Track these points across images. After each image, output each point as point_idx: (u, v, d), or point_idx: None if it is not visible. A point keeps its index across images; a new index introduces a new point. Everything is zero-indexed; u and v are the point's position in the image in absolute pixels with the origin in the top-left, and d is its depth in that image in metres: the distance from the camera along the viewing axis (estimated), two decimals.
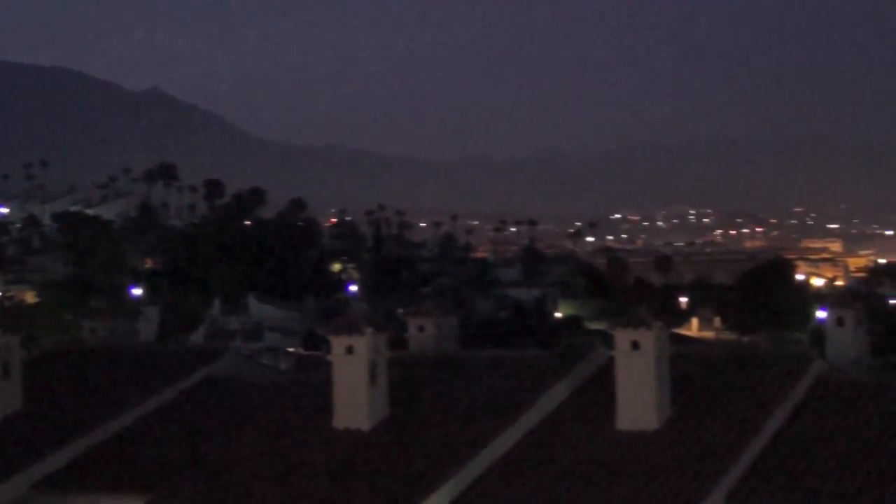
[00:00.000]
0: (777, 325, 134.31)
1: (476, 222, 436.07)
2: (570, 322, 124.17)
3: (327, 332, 32.73)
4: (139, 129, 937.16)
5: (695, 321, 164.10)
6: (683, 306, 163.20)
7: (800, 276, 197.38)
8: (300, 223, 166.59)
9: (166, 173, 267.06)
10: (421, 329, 36.07)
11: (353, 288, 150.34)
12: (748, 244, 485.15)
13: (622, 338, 29.76)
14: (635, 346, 29.55)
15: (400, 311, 46.21)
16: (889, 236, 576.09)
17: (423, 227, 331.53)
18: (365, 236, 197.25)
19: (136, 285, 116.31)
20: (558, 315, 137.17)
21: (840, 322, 34.66)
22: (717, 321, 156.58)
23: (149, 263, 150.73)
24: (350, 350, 31.18)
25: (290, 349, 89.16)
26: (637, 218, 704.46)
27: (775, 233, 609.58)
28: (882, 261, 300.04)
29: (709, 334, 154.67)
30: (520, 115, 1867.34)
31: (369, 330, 31.17)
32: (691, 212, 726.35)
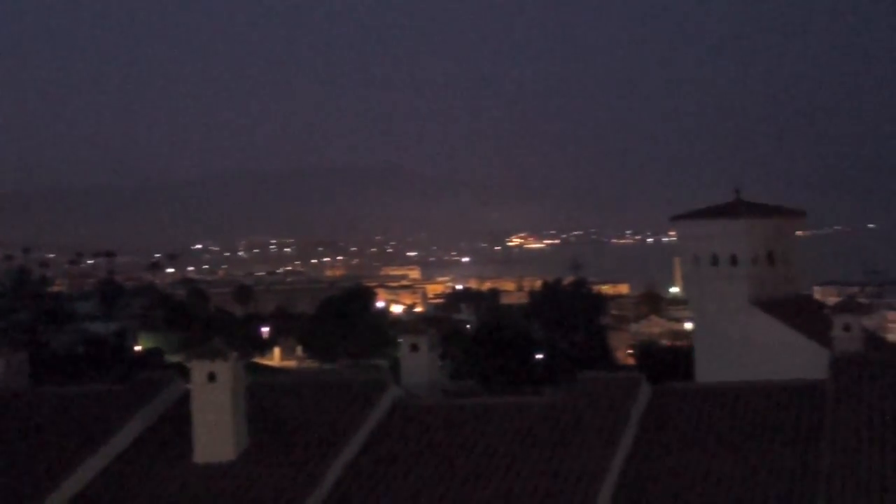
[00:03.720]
0: (359, 352, 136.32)
1: (52, 255, 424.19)
2: (151, 355, 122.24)
3: None
4: None
5: (277, 350, 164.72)
6: (265, 336, 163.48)
7: (380, 304, 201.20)
8: None
9: None
10: None
11: None
12: (330, 273, 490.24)
13: (198, 370, 29.41)
14: (211, 377, 29.24)
15: None
16: (466, 263, 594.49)
17: None
18: None
19: None
20: (139, 348, 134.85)
21: (415, 348, 35.28)
22: (300, 350, 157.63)
23: None
24: None
25: None
26: (218, 248, 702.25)
27: (356, 261, 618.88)
28: (459, 287, 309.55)
29: (291, 363, 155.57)
30: (75, 144, 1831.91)
31: None
32: (272, 241, 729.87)
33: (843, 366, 30.26)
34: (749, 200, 49.46)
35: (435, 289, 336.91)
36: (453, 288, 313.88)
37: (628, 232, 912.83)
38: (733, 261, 47.49)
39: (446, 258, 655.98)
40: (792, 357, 43.04)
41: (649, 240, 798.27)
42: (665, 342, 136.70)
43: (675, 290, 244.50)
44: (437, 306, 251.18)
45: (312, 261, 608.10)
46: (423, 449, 29.43)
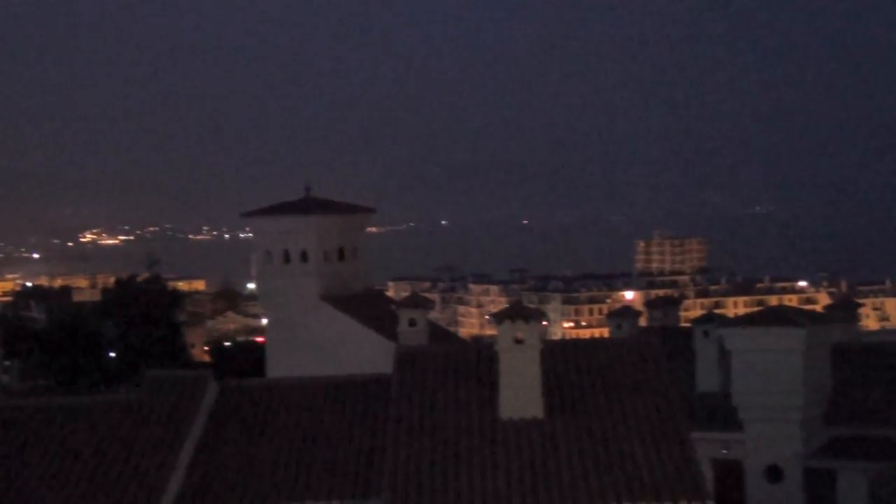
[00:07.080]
0: None
1: None
2: None
3: None
4: None
5: None
6: None
7: None
8: None
9: None
10: None
11: None
12: None
13: None
14: None
15: None
16: (36, 259, 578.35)
17: None
18: None
19: None
20: None
21: None
22: None
23: None
24: None
25: None
26: None
27: None
28: (29, 284, 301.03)
29: None
30: None
31: None
32: None
33: (406, 359, 31.10)
34: (319, 197, 50.13)
35: (3, 286, 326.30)
36: (23, 285, 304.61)
37: (205, 228, 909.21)
38: (304, 257, 48.03)
39: (15, 255, 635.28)
40: (362, 351, 43.94)
41: (227, 236, 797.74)
42: (241, 338, 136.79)
43: (252, 286, 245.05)
44: (4, 305, 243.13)
45: None
46: None
